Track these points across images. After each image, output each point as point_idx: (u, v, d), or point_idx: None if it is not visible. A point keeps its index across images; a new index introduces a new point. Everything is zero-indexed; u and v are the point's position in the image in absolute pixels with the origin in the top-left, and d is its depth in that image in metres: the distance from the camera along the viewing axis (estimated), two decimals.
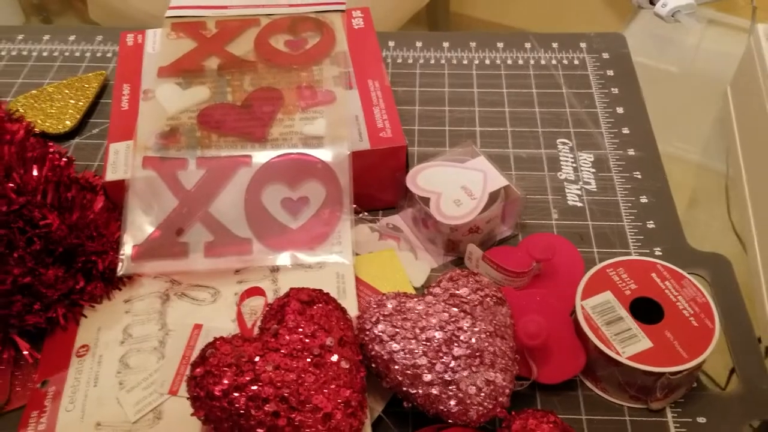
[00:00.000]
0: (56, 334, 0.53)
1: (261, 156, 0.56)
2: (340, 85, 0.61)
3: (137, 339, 0.51)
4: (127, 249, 0.53)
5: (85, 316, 0.53)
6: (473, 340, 0.45)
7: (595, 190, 0.63)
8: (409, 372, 0.44)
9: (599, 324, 0.48)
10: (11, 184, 0.56)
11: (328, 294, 0.46)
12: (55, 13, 2.00)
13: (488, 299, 0.48)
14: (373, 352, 0.45)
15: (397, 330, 0.45)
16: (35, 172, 0.57)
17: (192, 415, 0.41)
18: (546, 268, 0.55)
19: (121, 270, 0.53)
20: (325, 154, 0.56)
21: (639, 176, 0.64)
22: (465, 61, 0.76)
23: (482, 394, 0.44)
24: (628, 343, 0.47)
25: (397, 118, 0.59)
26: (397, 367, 0.44)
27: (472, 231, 0.56)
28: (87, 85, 0.74)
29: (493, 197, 0.57)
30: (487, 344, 0.45)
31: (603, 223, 0.60)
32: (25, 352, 0.52)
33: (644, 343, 0.47)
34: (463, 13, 1.74)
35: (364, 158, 0.57)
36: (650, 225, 0.60)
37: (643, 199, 0.62)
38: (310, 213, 0.55)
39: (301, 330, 0.43)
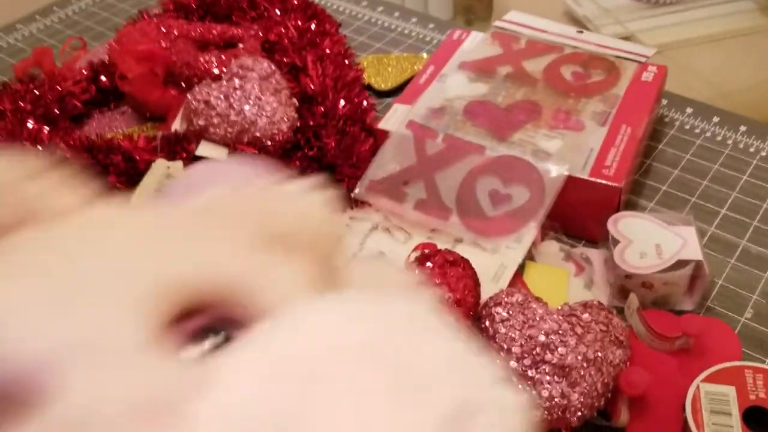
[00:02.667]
0: None
1: (493, 151, 0.65)
2: (595, 120, 0.67)
3: None
4: (365, 180, 0.67)
5: None
6: (569, 358, 0.49)
7: None
8: (502, 353, 0.50)
9: (704, 408, 0.48)
10: (321, 108, 0.74)
11: (471, 266, 0.54)
12: (479, 18, 2.28)
13: (607, 337, 0.51)
14: (482, 325, 0.52)
15: (511, 317, 0.51)
16: (341, 104, 0.75)
17: None
18: (696, 348, 0.55)
19: (355, 194, 0.67)
20: (544, 168, 0.63)
21: None
22: (751, 150, 0.75)
23: (551, 403, 0.48)
24: None
25: (628, 163, 0.63)
26: (494, 344, 0.51)
27: (645, 286, 0.58)
28: (418, 63, 0.90)
29: (681, 265, 0.58)
30: (579, 367, 0.49)
31: None
32: None
33: None
34: None
35: (579, 186, 0.62)
36: None
37: None
38: (507, 210, 0.62)
39: (431, 278, 0.52)
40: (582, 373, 0.49)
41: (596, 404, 0.49)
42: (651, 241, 0.59)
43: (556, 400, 0.48)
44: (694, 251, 0.58)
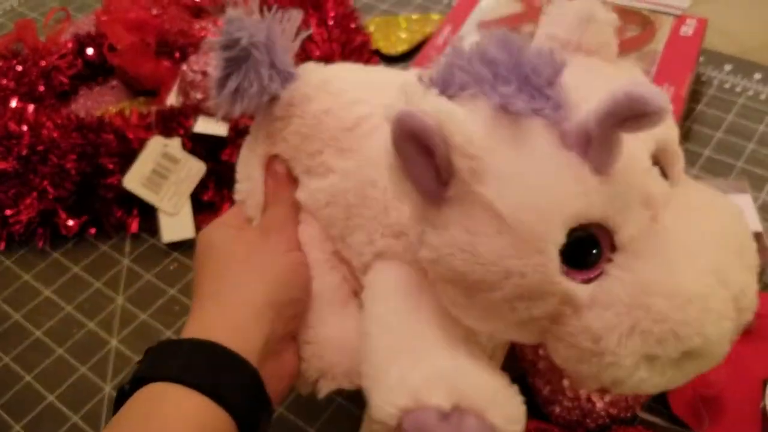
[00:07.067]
0: None
1: None
2: None
3: None
4: None
5: None
6: None
7: None
8: None
9: None
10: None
11: None
12: None
13: None
14: None
15: None
16: None
17: None
18: (761, 328, 0.49)
19: None
20: None
21: None
22: None
23: (572, 404, 0.43)
24: None
25: None
26: None
27: None
28: (429, 25, 0.83)
29: None
30: None
31: None
32: None
33: None
34: None
35: None
36: None
37: None
38: None
39: None
40: None
41: (621, 415, 0.44)
42: None
43: (579, 402, 0.43)
44: (751, 222, 0.52)
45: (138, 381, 0.35)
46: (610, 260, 0.29)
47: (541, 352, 0.45)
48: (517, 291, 0.29)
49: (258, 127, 0.44)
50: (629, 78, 0.26)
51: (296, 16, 0.42)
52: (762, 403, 0.45)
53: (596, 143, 0.28)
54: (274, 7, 0.42)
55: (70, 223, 0.64)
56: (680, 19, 0.67)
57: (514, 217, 0.28)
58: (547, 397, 0.44)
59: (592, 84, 0.29)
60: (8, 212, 0.64)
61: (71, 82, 0.76)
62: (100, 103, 0.73)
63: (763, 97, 0.70)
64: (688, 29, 0.66)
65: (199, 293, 0.40)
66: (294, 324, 0.41)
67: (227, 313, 0.38)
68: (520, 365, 0.47)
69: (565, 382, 0.44)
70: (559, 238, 0.28)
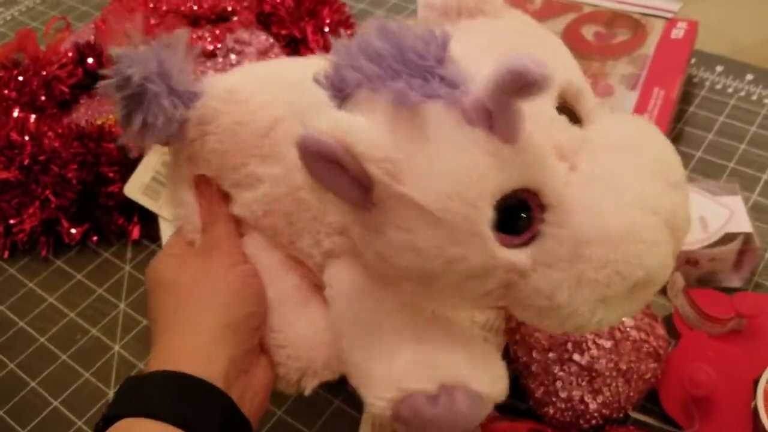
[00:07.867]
0: None
1: None
2: (624, 83, 0.62)
3: None
4: None
5: None
6: (600, 362, 0.44)
7: None
8: (531, 340, 0.46)
9: None
10: None
11: None
12: None
13: (645, 346, 0.46)
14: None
15: None
16: None
17: None
18: (750, 329, 0.50)
19: None
20: None
21: None
22: None
23: (566, 405, 0.44)
24: None
25: (663, 130, 0.58)
26: (518, 335, 0.47)
27: (690, 263, 0.53)
28: None
29: (729, 239, 0.53)
30: (607, 374, 0.44)
31: None
32: None
33: None
34: None
35: None
36: None
37: None
38: None
39: None
40: (609, 381, 0.44)
41: (614, 415, 0.45)
42: (694, 213, 0.54)
43: (572, 403, 0.44)
44: (742, 223, 0.53)
45: (110, 420, 0.35)
46: (543, 220, 0.30)
47: (534, 354, 0.46)
48: (464, 274, 0.30)
49: (176, 151, 0.44)
50: (512, 49, 0.27)
51: (183, 34, 0.41)
52: (753, 403, 0.45)
53: (497, 115, 0.28)
54: (158, 31, 0.41)
55: (73, 231, 0.65)
56: (671, 23, 0.68)
57: (440, 208, 0.29)
58: (540, 399, 0.45)
59: (484, 49, 0.28)
60: (12, 221, 0.65)
61: (72, 91, 0.77)
62: (101, 112, 0.74)
63: (754, 97, 0.71)
64: (679, 32, 0.67)
65: (157, 329, 0.40)
66: (257, 337, 0.41)
67: (187, 341, 0.38)
68: (514, 367, 0.48)
69: (558, 384, 0.45)
70: (489, 215, 0.29)
